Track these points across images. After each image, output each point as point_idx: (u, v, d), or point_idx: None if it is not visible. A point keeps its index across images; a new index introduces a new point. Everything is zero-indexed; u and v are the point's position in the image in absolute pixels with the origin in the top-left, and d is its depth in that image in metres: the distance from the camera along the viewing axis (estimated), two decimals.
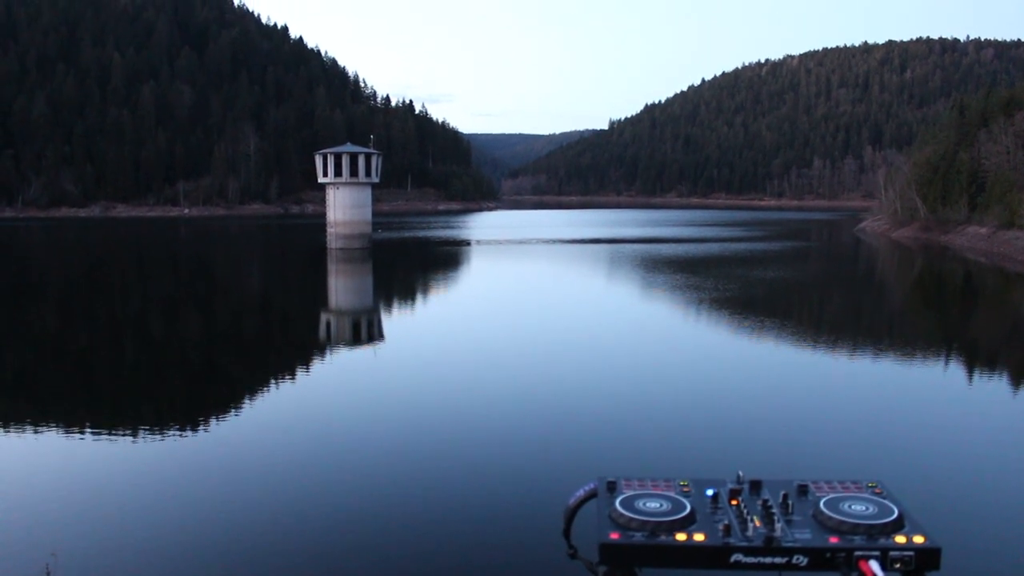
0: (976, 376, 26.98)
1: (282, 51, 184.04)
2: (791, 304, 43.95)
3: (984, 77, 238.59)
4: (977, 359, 29.90)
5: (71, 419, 20.58)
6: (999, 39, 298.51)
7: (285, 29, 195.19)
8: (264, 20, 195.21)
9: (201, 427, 19.71)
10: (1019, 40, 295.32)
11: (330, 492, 15.16)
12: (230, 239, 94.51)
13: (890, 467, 16.60)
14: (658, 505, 2.19)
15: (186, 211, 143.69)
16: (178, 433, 19.17)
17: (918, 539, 2.04)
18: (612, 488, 2.30)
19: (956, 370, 27.94)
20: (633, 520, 2.13)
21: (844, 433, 19.69)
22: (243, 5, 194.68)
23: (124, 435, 18.89)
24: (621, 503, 2.20)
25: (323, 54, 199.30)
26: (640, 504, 2.20)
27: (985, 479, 16.49)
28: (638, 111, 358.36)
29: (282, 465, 16.62)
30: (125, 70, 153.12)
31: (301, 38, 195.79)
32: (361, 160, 68.14)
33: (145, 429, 19.31)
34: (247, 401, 22.59)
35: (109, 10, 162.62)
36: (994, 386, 25.94)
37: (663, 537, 2.08)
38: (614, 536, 2.09)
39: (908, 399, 23.47)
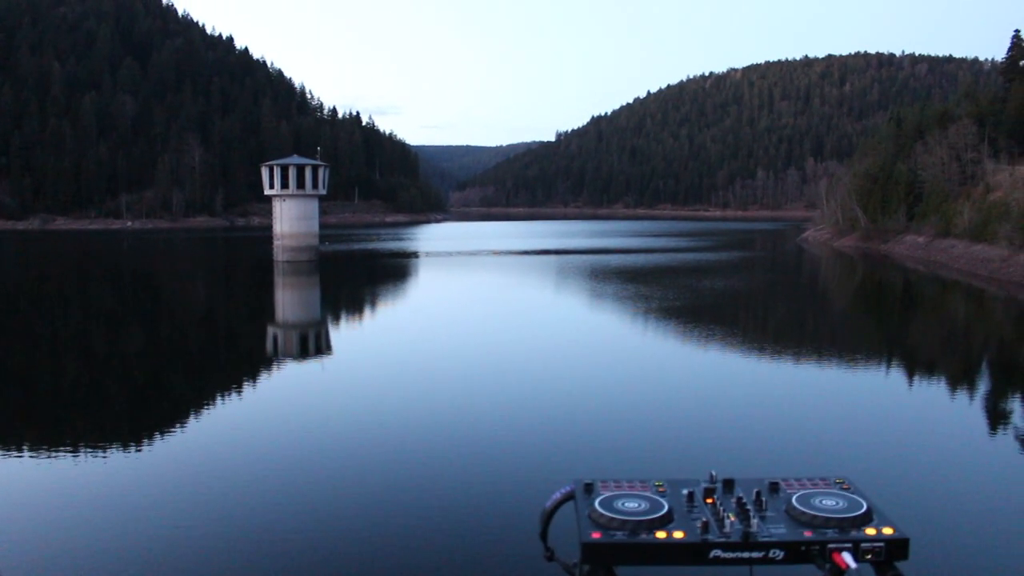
0: (926, 377, 28.03)
1: (227, 62, 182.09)
2: (745, 312, 44.62)
3: (919, 91, 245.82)
4: (926, 362, 30.90)
5: (6, 438, 20.05)
6: (932, 54, 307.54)
7: (231, 40, 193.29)
8: (209, 30, 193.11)
9: (145, 445, 19.32)
10: (951, 56, 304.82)
11: (288, 508, 14.96)
12: (175, 252, 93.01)
13: (855, 464, 17.17)
14: (637, 505, 2.23)
15: (129, 224, 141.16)
16: (121, 451, 18.78)
17: (887, 531, 2.11)
18: (589, 490, 2.34)
19: (908, 371, 28.75)
20: (614, 520, 2.16)
21: (809, 433, 20.35)
22: (187, 15, 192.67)
23: (64, 454, 18.43)
24: (600, 503, 2.24)
25: (269, 65, 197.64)
26: (619, 504, 2.24)
27: (945, 473, 17.21)
28: (584, 123, 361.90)
29: (231, 481, 16.37)
30: (65, 80, 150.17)
31: (247, 49, 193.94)
32: (308, 172, 67.66)
33: (86, 448, 18.87)
34: (192, 418, 22.21)
35: (48, 19, 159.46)
36: (944, 386, 27.00)
37: (644, 535, 2.12)
38: (596, 535, 2.12)
39: (867, 400, 24.22)
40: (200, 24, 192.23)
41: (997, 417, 22.80)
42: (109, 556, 12.90)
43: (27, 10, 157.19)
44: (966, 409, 23.76)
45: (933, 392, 26.22)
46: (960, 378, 27.96)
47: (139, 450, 18.84)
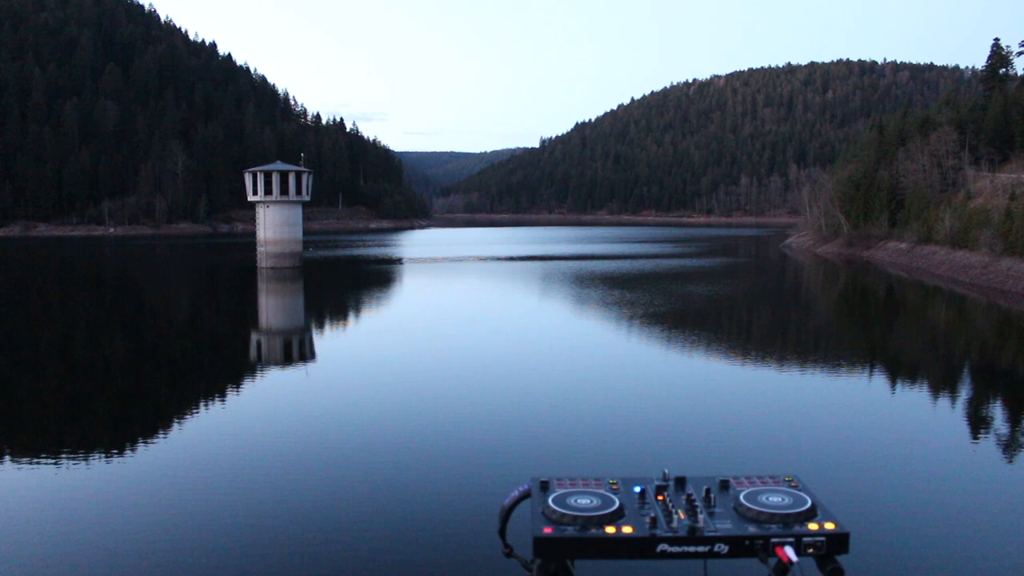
0: (898, 380, 28.31)
1: (210, 68, 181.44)
2: (727, 318, 44.74)
3: (900, 98, 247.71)
4: (901, 366, 31.19)
5: None
6: (914, 62, 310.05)
7: (213, 46, 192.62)
8: (192, 36, 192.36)
9: (127, 452, 19.19)
10: (932, 64, 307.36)
11: (264, 509, 14.92)
12: (157, 259, 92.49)
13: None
14: (588, 501, 2.31)
15: (111, 230, 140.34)
16: (103, 459, 18.64)
17: (829, 526, 2.20)
18: (545, 487, 2.42)
19: (882, 375, 29.08)
20: (565, 515, 2.24)
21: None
22: (170, 21, 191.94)
23: (46, 462, 18.28)
24: (554, 500, 2.32)
25: (252, 71, 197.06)
26: (572, 501, 2.31)
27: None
28: (569, 129, 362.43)
29: (214, 487, 16.29)
30: (46, 86, 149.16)
31: (230, 55, 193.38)
32: (292, 178, 67.47)
33: (68, 455, 18.72)
34: (175, 424, 22.09)
35: (29, 24, 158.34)
36: (913, 389, 27.38)
37: (593, 530, 2.19)
38: (547, 530, 2.20)
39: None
40: (183, 30, 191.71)
41: (966, 418, 23.24)
42: (91, 562, 12.78)
43: (8, 15, 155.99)
44: (931, 411, 24.23)
45: (902, 395, 26.62)
46: (932, 382, 28.47)
47: (122, 457, 18.71)
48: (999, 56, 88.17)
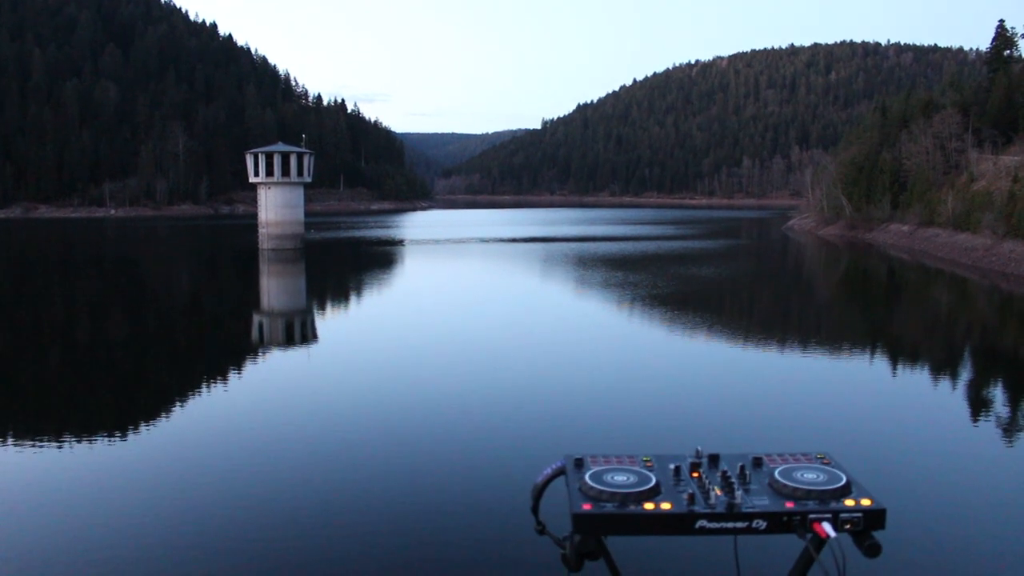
0: (905, 360, 28.61)
1: (211, 48, 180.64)
2: (732, 298, 44.83)
3: (904, 80, 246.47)
4: (906, 346, 31.43)
5: None
6: (917, 44, 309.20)
7: (214, 26, 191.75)
8: (192, 17, 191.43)
9: (130, 434, 19.24)
10: (936, 45, 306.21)
11: (278, 494, 14.92)
12: (159, 240, 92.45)
13: (835, 440, 17.66)
14: (625, 478, 2.32)
15: (112, 212, 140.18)
16: (105, 440, 18.69)
17: (865, 502, 2.22)
18: (580, 465, 2.43)
19: (888, 355, 29.35)
20: (603, 492, 2.25)
21: (792, 411, 21.04)
22: (170, 2, 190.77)
23: (48, 444, 18.32)
24: (591, 477, 2.33)
25: (253, 52, 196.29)
26: (609, 477, 2.32)
27: (920, 450, 17.90)
28: (570, 111, 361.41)
29: (217, 469, 16.31)
30: (46, 66, 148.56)
31: (231, 35, 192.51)
32: (293, 160, 67.32)
33: (71, 437, 18.77)
34: (177, 406, 22.12)
35: (28, 4, 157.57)
36: (921, 369, 27.76)
37: (632, 507, 2.21)
38: (586, 507, 2.21)
39: (848, 381, 24.88)
40: (183, 10, 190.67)
41: (971, 398, 23.41)
42: (94, 545, 12.83)
43: None
44: (941, 390, 24.42)
45: (911, 374, 26.95)
46: (938, 362, 28.63)
47: (125, 440, 18.75)
48: (1004, 38, 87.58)
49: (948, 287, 51.45)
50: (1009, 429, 20.16)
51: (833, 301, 47.72)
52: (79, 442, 18.45)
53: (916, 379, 26.45)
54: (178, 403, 22.41)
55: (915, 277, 57.49)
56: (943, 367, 27.87)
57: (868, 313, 42.20)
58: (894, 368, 27.58)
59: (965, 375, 27.43)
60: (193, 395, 23.46)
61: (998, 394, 25.11)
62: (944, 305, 44.61)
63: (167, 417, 20.87)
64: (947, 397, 23.69)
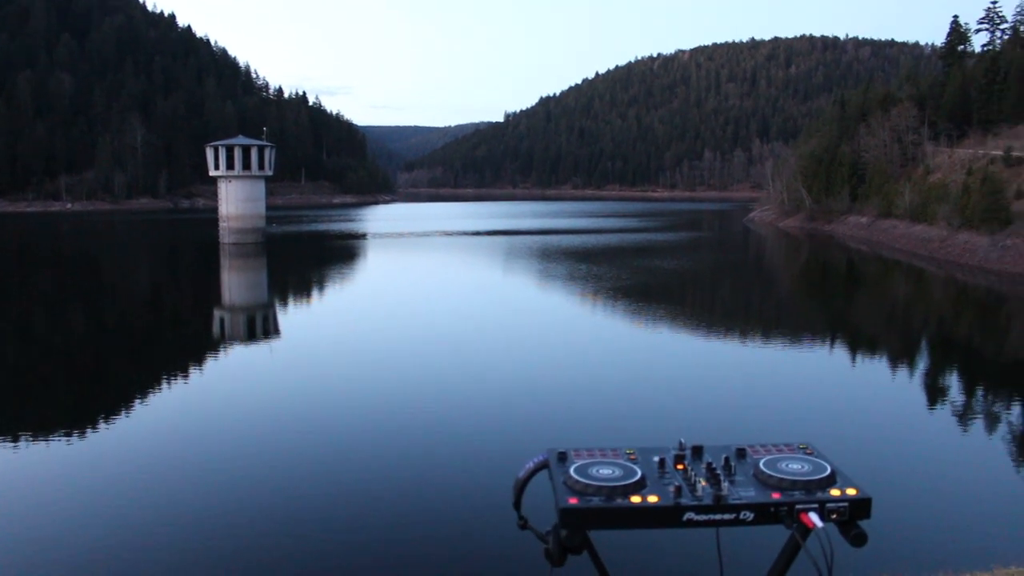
0: (872, 352, 29.20)
1: (170, 40, 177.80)
2: (699, 291, 45.16)
3: (862, 74, 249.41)
4: (871, 338, 31.84)
5: None
6: (875, 38, 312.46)
7: (173, 17, 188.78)
8: (150, 7, 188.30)
9: (89, 432, 18.94)
10: (892, 40, 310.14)
11: (241, 491, 14.78)
12: (117, 235, 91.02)
13: (816, 431, 17.98)
14: (611, 472, 2.30)
15: (69, 206, 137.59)
16: (63, 439, 18.37)
17: (851, 491, 2.22)
18: (563, 458, 2.41)
19: (855, 347, 29.70)
20: (589, 486, 2.23)
21: (769, 402, 21.31)
22: None
23: (3, 443, 17.99)
24: (576, 471, 2.31)
25: (213, 44, 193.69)
26: (594, 471, 2.30)
27: (899, 441, 18.21)
28: (533, 104, 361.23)
29: (177, 467, 16.12)
30: None
31: (190, 27, 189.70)
32: (254, 153, 66.64)
33: (27, 436, 18.43)
34: (137, 403, 21.81)
35: None
36: (889, 360, 27.96)
37: (619, 500, 2.19)
38: (573, 501, 2.19)
39: (817, 371, 25.40)
40: (140, 1, 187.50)
41: (938, 388, 23.82)
42: (50, 546, 12.63)
43: None
44: (910, 381, 24.80)
45: (878, 364, 27.38)
46: (906, 352, 29.12)
47: (83, 439, 18.46)
48: (958, 33, 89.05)
49: (907, 278, 52.28)
50: (967, 415, 20.59)
51: (796, 293, 48.35)
52: (34, 441, 18.12)
53: (879, 368, 26.91)
54: (138, 400, 22.09)
55: (874, 269, 58.33)
56: (911, 357, 28.43)
57: (833, 305, 42.80)
58: (862, 359, 28.09)
59: (934, 366, 27.99)
60: (152, 392, 23.13)
61: (954, 382, 25.64)
62: (903, 297, 45.34)
63: (127, 415, 20.57)
64: (916, 387, 24.10)
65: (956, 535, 13.19)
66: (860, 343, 30.67)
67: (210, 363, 27.51)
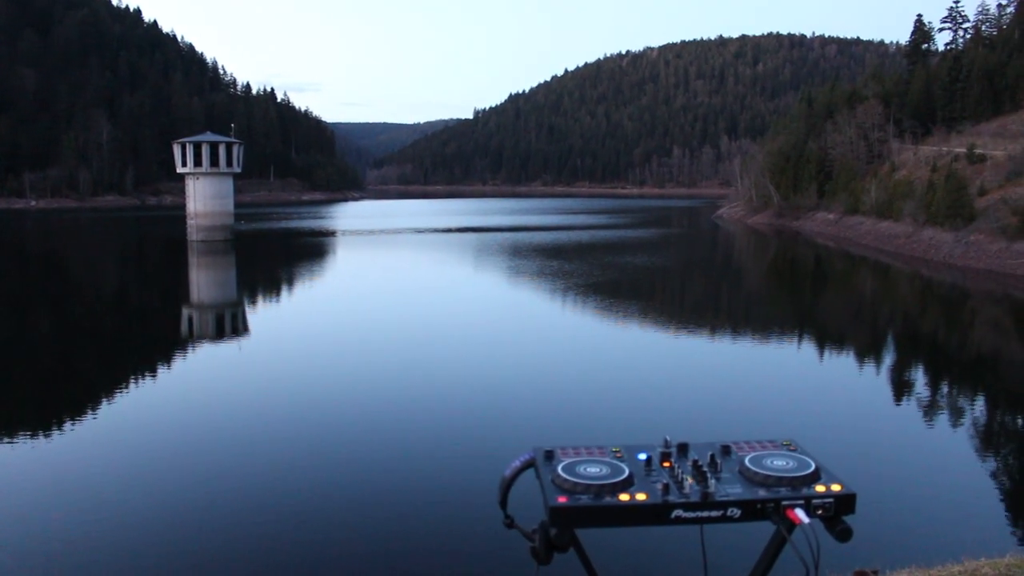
0: (842, 348, 29.46)
1: (135, 35, 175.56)
2: (667, 287, 45.45)
3: (829, 71, 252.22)
4: (842, 335, 32.13)
5: None
6: (841, 36, 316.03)
7: (138, 12, 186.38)
8: (115, 2, 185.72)
9: (55, 433, 18.67)
10: (858, 38, 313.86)
11: (210, 492, 14.65)
12: (82, 232, 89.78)
13: (797, 428, 18.00)
14: (599, 470, 2.32)
15: (33, 203, 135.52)
16: (28, 440, 18.10)
17: (836, 487, 2.26)
18: (550, 457, 2.43)
19: (824, 344, 29.98)
20: (578, 484, 2.25)
21: (751, 399, 21.40)
22: None
23: None
24: (563, 469, 2.32)
25: (180, 39, 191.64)
26: (582, 469, 2.32)
27: (880, 436, 18.40)
28: (503, 100, 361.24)
29: (144, 468, 15.95)
30: None
31: (156, 22, 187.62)
32: (222, 150, 66.07)
33: None
34: (103, 403, 21.52)
35: None
36: (863, 357, 28.15)
37: (608, 498, 2.21)
38: (562, 500, 2.21)
39: (795, 368, 25.66)
40: None
41: (905, 383, 24.11)
42: (15, 550, 12.46)
43: None
44: (877, 376, 25.08)
45: (848, 361, 27.60)
46: (875, 348, 29.44)
47: (48, 440, 18.19)
48: (921, 32, 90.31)
49: (874, 274, 52.95)
50: (934, 409, 20.89)
51: (766, 289, 48.76)
52: None
53: (849, 364, 27.19)
54: (105, 400, 21.79)
55: (842, 265, 59.00)
56: (872, 352, 28.74)
57: (800, 301, 43.35)
58: (824, 354, 28.37)
59: (898, 360, 28.39)
60: (120, 392, 22.83)
61: (921, 377, 25.98)
62: (871, 293, 45.89)
63: (93, 415, 20.28)
64: (884, 382, 24.43)
65: (930, 528, 13.34)
66: (830, 339, 30.98)
67: (178, 361, 27.25)
